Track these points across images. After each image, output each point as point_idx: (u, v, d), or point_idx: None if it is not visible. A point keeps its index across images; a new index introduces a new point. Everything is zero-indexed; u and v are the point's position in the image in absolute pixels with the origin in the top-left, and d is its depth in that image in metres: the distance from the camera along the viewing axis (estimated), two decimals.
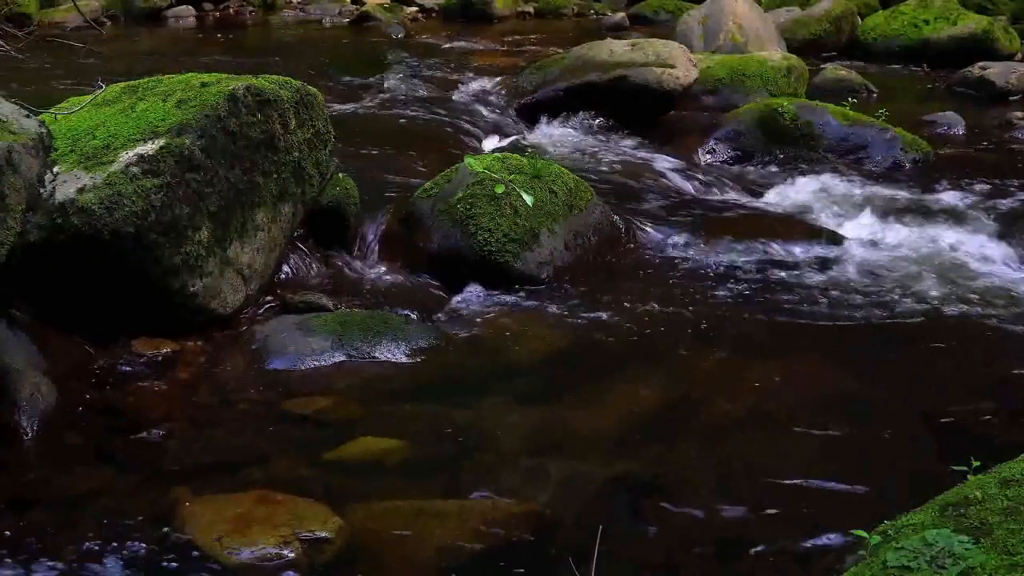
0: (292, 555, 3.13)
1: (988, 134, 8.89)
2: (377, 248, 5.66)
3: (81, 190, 4.24)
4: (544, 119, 8.37)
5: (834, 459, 3.81)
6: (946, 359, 4.67)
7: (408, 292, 5.27)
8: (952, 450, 3.60)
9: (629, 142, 7.99)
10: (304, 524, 3.24)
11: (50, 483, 3.58)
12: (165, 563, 3.11)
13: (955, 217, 6.50)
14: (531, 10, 16.35)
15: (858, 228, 6.28)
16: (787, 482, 3.63)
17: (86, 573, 3.08)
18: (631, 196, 6.71)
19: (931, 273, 5.60)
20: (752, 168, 7.68)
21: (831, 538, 3.23)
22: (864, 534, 2.61)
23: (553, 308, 5.10)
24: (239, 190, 4.69)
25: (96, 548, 3.17)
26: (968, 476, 2.72)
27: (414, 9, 16.07)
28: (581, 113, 8.31)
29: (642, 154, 7.72)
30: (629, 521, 3.45)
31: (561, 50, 9.90)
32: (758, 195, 7.07)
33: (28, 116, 3.94)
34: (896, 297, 5.30)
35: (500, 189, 5.24)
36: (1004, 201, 6.87)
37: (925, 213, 6.53)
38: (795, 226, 6.28)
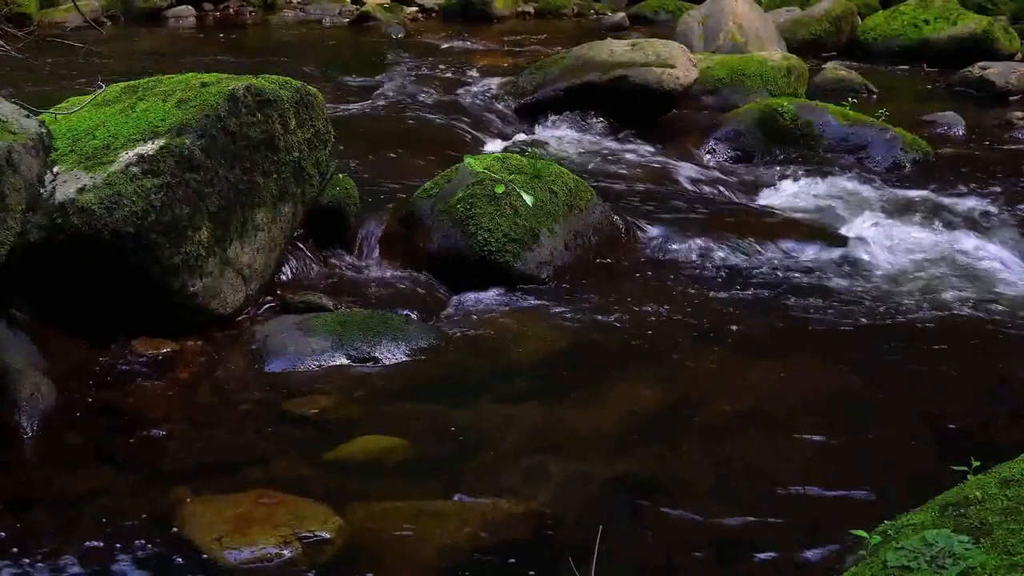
0: (292, 555, 3.13)
1: (988, 134, 8.89)
2: (377, 248, 5.66)
3: (81, 190, 4.24)
4: (544, 119, 8.36)
5: (834, 459, 3.81)
6: (946, 359, 4.67)
7: (408, 292, 5.27)
8: (952, 450, 3.60)
9: (629, 142, 7.99)
10: (304, 524, 3.24)
11: (50, 483, 3.57)
12: (165, 563, 3.11)
13: (955, 217, 6.50)
14: (531, 10, 16.36)
15: (858, 228, 6.27)
16: (787, 482, 3.62)
17: (86, 573, 3.08)
18: (631, 196, 6.71)
19: (931, 273, 5.61)
20: (752, 168, 7.67)
21: (831, 538, 3.23)
22: (864, 534, 2.61)
23: (553, 308, 5.10)
24: (239, 190, 4.69)
25: (96, 548, 3.17)
26: (968, 476, 2.72)
27: (414, 9, 16.08)
28: (581, 113, 8.30)
29: (642, 154, 7.72)
30: (629, 521, 3.44)
31: (561, 50, 9.90)
32: (758, 195, 7.07)
33: (28, 116, 3.94)
34: (896, 297, 5.30)
35: (500, 189, 5.24)
36: (1004, 201, 6.87)
37: (925, 213, 6.53)
38: (795, 226, 6.28)
